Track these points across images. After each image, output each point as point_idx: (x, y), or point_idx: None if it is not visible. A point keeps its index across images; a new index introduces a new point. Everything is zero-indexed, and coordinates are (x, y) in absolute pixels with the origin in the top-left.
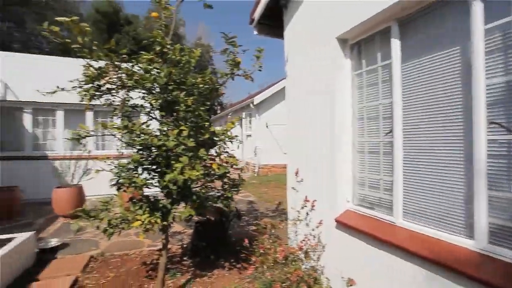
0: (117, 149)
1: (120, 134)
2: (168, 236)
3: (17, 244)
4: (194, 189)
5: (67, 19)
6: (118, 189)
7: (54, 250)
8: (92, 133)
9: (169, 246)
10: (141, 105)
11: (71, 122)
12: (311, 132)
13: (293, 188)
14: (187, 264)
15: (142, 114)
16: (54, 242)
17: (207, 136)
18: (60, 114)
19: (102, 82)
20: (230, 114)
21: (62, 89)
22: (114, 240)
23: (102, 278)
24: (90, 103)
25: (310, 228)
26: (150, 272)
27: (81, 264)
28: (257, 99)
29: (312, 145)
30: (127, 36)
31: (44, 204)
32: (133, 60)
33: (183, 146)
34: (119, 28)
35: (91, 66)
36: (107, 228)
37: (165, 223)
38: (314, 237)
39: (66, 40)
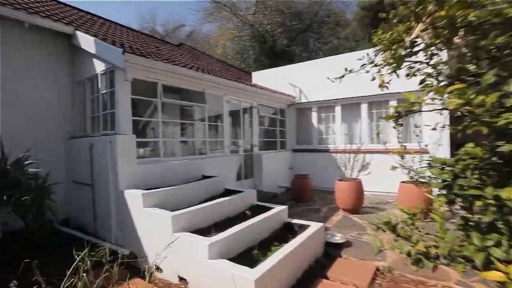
0: (399, 142)
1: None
2: None
3: (313, 232)
4: None
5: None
6: (450, 202)
7: (338, 246)
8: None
9: None
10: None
11: (346, 116)
12: None
13: None
14: None
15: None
16: (338, 237)
17: None
18: (338, 110)
19: (412, 36)
20: None
21: (350, 71)
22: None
23: None
24: (386, 84)
25: None
26: None
27: (367, 276)
28: None
29: None
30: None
31: (327, 193)
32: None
33: None
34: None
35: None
36: (421, 257)
37: None
38: None
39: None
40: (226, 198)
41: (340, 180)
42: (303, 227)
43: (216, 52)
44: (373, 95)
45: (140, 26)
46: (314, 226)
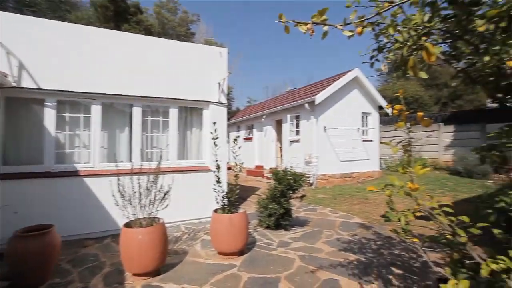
0: (235, 158)
1: None
2: None
3: None
4: None
5: None
6: None
7: None
8: None
9: None
10: None
11: (108, 123)
12: None
13: None
14: None
15: None
16: None
17: None
18: (97, 111)
19: None
20: (264, 117)
21: None
22: None
23: None
24: None
25: None
26: None
27: None
28: (319, 98)
29: None
30: (137, 27)
31: (81, 245)
32: None
33: None
34: (127, 17)
35: None
36: None
37: None
38: None
39: None
40: None
41: (129, 226)
42: None
43: None
44: (152, 98)
45: None
46: None
